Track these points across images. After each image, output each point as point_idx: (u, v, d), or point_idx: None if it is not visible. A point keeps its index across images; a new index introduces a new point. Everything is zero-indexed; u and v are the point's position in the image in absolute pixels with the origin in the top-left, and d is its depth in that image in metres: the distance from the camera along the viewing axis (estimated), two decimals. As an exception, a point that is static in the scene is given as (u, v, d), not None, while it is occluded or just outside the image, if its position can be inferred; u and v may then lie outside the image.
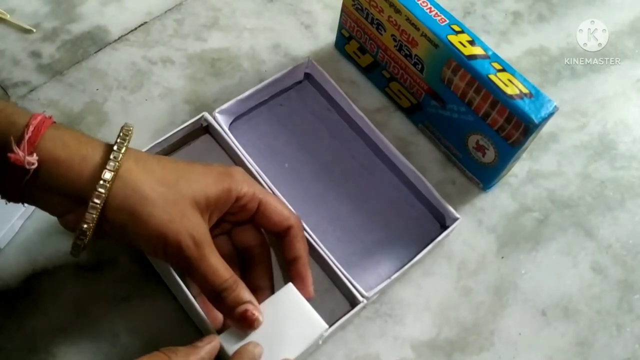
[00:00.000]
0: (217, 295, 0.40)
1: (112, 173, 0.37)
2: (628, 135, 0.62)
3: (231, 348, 0.40)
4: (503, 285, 0.52)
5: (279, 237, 0.45)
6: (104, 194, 0.37)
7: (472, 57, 0.49)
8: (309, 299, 0.43)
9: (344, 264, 0.47)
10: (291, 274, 0.45)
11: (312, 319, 0.42)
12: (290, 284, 0.43)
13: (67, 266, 0.48)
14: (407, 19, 0.51)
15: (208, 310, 0.43)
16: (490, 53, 0.49)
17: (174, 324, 0.47)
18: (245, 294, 0.40)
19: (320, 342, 0.44)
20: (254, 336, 0.40)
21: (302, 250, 0.45)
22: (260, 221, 0.45)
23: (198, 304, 0.43)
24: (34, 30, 0.59)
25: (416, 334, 0.49)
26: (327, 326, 0.42)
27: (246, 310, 0.40)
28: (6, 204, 0.38)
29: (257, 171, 0.50)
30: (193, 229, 0.39)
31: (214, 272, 0.39)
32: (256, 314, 0.40)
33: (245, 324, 0.40)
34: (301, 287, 0.44)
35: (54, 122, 0.38)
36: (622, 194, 0.58)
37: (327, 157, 0.55)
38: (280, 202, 0.45)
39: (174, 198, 0.39)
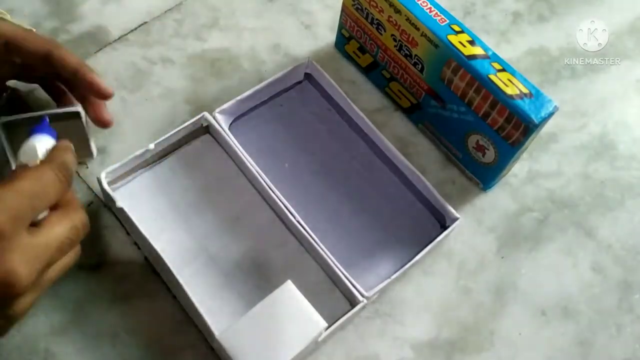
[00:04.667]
0: None
1: None
2: (628, 135, 0.62)
3: (231, 347, 0.40)
4: (503, 285, 0.52)
5: (46, 65, 0.47)
6: None
7: (472, 57, 0.49)
8: (108, 97, 0.47)
9: (344, 264, 0.47)
10: (80, 89, 0.48)
11: (311, 317, 0.42)
12: (289, 281, 0.43)
13: (67, 266, 0.48)
14: (407, 19, 0.51)
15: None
16: (490, 53, 0.49)
17: (174, 324, 0.47)
18: None
19: (319, 340, 0.44)
20: (253, 334, 0.40)
21: (76, 64, 0.47)
22: (16, 54, 0.46)
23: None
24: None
25: (416, 334, 0.49)
26: (326, 324, 0.42)
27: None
28: None
29: (257, 171, 0.50)
30: None
31: None
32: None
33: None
34: (98, 91, 0.47)
35: None
36: (622, 194, 0.58)
37: (327, 157, 0.55)
38: (33, 33, 0.47)
39: None
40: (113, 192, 0.47)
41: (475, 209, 0.55)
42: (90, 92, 0.48)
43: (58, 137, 0.46)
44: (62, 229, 0.36)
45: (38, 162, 0.38)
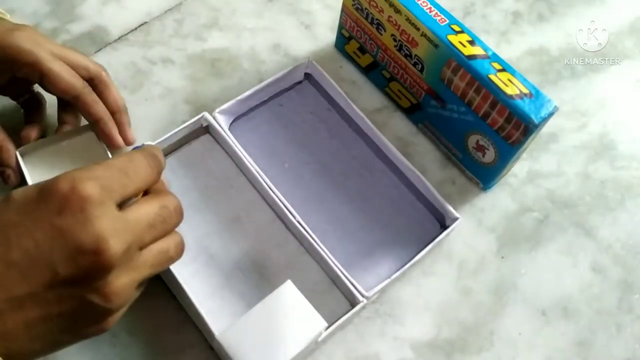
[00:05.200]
0: None
1: None
2: (628, 135, 0.62)
3: (231, 347, 0.40)
4: (503, 285, 0.52)
5: (74, 103, 0.48)
6: None
7: (472, 57, 0.49)
8: (119, 148, 0.49)
9: (344, 264, 0.47)
10: (98, 134, 0.49)
11: (312, 316, 0.42)
12: (289, 281, 0.43)
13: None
14: (407, 19, 0.51)
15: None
16: (490, 53, 0.49)
17: (174, 324, 0.47)
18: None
19: (319, 340, 0.44)
20: (253, 334, 0.40)
21: (99, 114, 0.48)
22: (47, 88, 0.47)
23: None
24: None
25: (416, 334, 0.49)
26: (326, 324, 0.42)
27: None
28: None
29: (257, 171, 0.50)
30: None
31: None
32: (8, 172, 0.47)
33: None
34: (108, 143, 0.49)
35: None
36: (622, 194, 0.58)
37: (327, 157, 0.55)
38: (67, 68, 0.46)
39: None
40: None
41: (475, 209, 0.55)
42: (101, 139, 0.50)
43: (77, 154, 0.46)
44: (151, 206, 0.35)
45: None
